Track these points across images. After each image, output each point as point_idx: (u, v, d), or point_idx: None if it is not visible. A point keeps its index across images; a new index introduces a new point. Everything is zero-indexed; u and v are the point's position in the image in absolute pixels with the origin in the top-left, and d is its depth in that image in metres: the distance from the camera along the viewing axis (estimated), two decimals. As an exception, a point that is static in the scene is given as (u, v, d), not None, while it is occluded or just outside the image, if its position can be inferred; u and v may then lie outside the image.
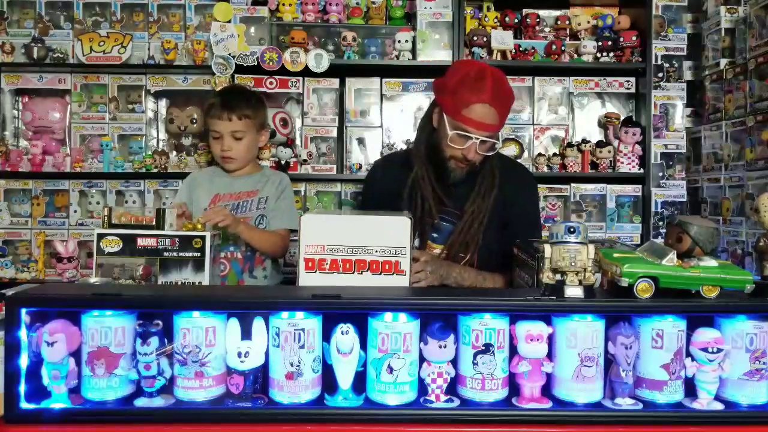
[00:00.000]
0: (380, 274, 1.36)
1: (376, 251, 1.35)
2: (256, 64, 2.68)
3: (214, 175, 2.16)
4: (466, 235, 1.81)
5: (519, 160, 2.82)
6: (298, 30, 2.73)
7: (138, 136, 2.83)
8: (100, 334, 1.13)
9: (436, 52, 2.75)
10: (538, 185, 2.79)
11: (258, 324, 1.12)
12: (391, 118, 2.90)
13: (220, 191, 2.10)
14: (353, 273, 1.36)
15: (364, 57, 2.77)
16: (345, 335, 1.13)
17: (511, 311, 1.15)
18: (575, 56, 2.83)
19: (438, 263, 1.70)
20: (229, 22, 2.69)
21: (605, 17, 2.85)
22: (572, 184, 2.82)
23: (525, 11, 2.93)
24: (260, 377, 1.16)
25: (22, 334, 1.10)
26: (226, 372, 1.15)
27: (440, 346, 1.12)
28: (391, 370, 1.13)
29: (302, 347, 1.12)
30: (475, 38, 2.77)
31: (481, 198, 1.83)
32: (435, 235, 1.85)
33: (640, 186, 2.81)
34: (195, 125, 2.84)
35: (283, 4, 2.78)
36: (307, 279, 1.36)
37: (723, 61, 2.74)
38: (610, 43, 2.80)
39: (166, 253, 1.48)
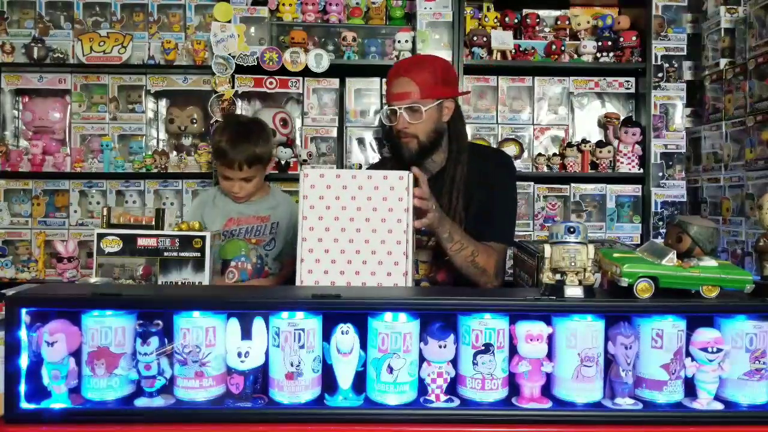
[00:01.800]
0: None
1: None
2: (256, 64, 2.68)
3: (226, 201, 2.14)
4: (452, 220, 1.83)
5: (519, 161, 2.82)
6: (298, 30, 2.73)
7: (138, 136, 2.83)
8: (100, 334, 1.13)
9: (436, 52, 2.74)
10: (538, 185, 2.82)
11: (258, 324, 1.12)
12: (391, 118, 2.90)
13: (233, 215, 2.10)
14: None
15: (364, 57, 2.78)
16: (345, 335, 1.13)
17: (511, 311, 1.15)
18: (575, 56, 2.83)
19: (437, 206, 1.69)
20: (229, 22, 2.70)
21: (605, 17, 2.85)
22: (572, 184, 2.82)
23: (525, 11, 2.93)
24: (260, 377, 1.16)
25: (22, 334, 1.10)
26: (226, 372, 1.15)
27: (440, 346, 1.12)
28: (391, 370, 1.13)
29: (302, 347, 1.12)
30: (475, 38, 2.77)
31: (453, 181, 1.88)
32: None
33: (640, 186, 2.81)
34: (195, 125, 2.84)
35: (283, 4, 2.78)
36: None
37: (723, 61, 2.74)
38: (610, 43, 2.80)
39: (166, 253, 1.48)
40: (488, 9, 2.98)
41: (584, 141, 2.81)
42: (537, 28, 2.90)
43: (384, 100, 2.86)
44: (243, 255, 1.94)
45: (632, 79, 2.86)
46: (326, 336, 1.15)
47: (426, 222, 1.58)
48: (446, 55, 2.74)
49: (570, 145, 2.82)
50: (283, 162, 2.69)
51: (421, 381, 1.15)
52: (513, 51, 2.78)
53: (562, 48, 2.80)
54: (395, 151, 1.93)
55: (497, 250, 1.83)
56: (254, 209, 2.12)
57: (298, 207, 2.19)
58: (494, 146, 2.78)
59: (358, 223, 1.42)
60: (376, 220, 1.42)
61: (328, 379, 1.16)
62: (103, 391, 1.13)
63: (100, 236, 1.49)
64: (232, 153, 2.03)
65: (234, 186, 2.07)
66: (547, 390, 1.16)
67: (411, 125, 1.85)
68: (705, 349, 1.11)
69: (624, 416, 1.12)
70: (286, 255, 2.14)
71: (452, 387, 1.16)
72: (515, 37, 2.87)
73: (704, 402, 1.13)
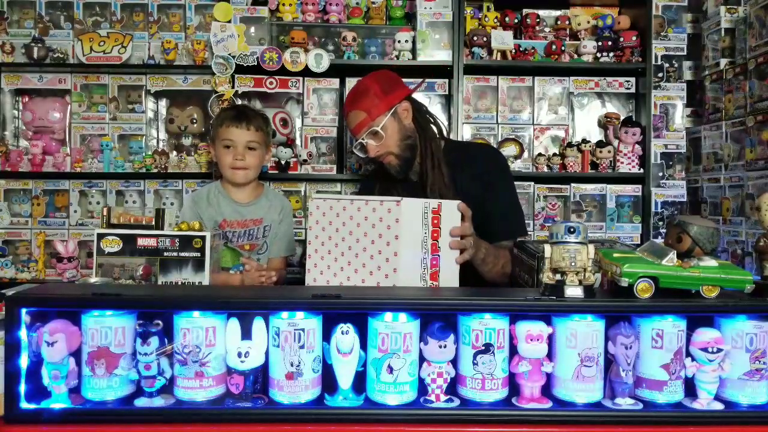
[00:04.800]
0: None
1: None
2: (256, 64, 2.68)
3: (219, 199, 2.13)
4: None
5: (519, 160, 2.82)
6: (298, 30, 2.73)
7: (138, 136, 2.83)
8: (100, 334, 1.13)
9: (436, 52, 2.75)
10: (538, 185, 2.82)
11: (258, 324, 1.12)
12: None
13: (226, 217, 2.09)
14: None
15: (364, 57, 2.77)
16: (345, 335, 1.13)
17: (511, 311, 1.15)
18: (575, 56, 2.83)
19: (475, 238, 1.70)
20: (229, 22, 2.69)
21: (605, 17, 2.85)
22: (572, 184, 2.82)
23: (525, 11, 2.92)
24: (260, 377, 1.16)
25: (22, 334, 1.11)
26: (226, 372, 1.15)
27: (440, 346, 1.12)
28: (391, 370, 1.13)
29: (302, 347, 1.12)
30: (475, 38, 2.77)
31: (429, 172, 1.95)
32: None
33: (640, 186, 2.81)
34: (195, 125, 2.84)
35: (283, 4, 2.78)
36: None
37: (723, 61, 2.74)
38: (610, 43, 2.80)
39: (166, 253, 1.48)
40: (488, 9, 2.98)
41: (584, 141, 2.81)
42: (537, 28, 2.90)
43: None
44: (240, 265, 1.96)
45: (632, 79, 2.85)
46: (326, 336, 1.15)
47: (467, 258, 1.59)
48: (446, 55, 2.74)
49: (570, 145, 2.82)
50: (283, 162, 2.69)
51: (421, 381, 1.15)
52: (513, 51, 2.78)
53: (562, 48, 2.79)
54: (382, 171, 2.02)
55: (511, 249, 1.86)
56: (247, 211, 2.11)
57: (289, 206, 2.24)
58: (494, 146, 2.78)
59: (361, 241, 1.48)
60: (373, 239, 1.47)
61: (328, 379, 1.16)
62: (103, 391, 1.13)
63: (100, 236, 1.49)
64: (238, 113, 2.12)
65: (237, 153, 2.06)
66: (547, 390, 1.16)
67: (380, 146, 1.92)
68: (705, 349, 1.11)
69: (624, 416, 1.12)
70: (271, 254, 2.14)
71: (452, 387, 1.16)
72: (515, 37, 2.86)
73: (704, 402, 1.13)
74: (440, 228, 1.49)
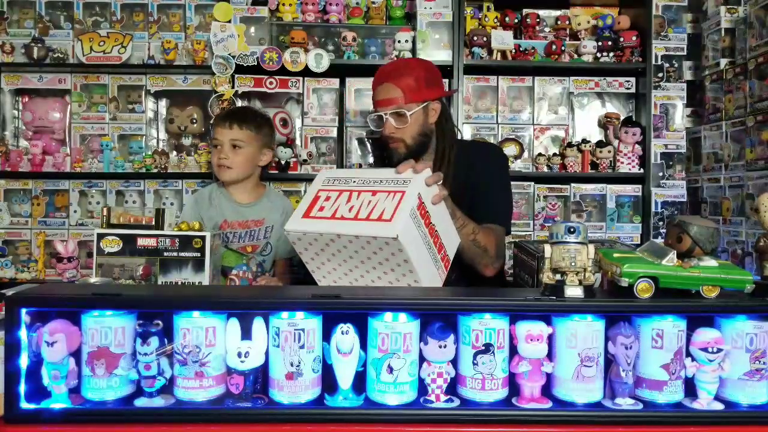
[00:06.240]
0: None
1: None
2: (256, 64, 2.68)
3: (221, 200, 2.13)
4: None
5: (519, 160, 2.82)
6: (298, 30, 2.73)
7: (138, 136, 2.83)
8: (100, 334, 1.13)
9: (436, 52, 2.75)
10: (538, 185, 2.82)
11: (258, 324, 1.12)
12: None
13: (228, 218, 2.09)
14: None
15: (364, 57, 2.78)
16: (345, 335, 1.13)
17: (511, 311, 1.15)
18: (575, 56, 2.83)
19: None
20: (229, 22, 2.70)
21: (605, 17, 2.85)
22: (572, 184, 2.82)
23: (525, 11, 2.93)
24: (260, 377, 1.16)
25: (22, 334, 1.10)
26: (226, 372, 1.15)
27: (440, 346, 1.12)
28: (391, 370, 1.13)
29: (302, 347, 1.12)
30: (475, 38, 2.77)
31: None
32: None
33: (640, 186, 2.81)
34: (195, 125, 2.84)
35: (283, 4, 2.78)
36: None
37: (723, 61, 2.74)
38: (610, 43, 2.80)
39: (166, 253, 1.48)
40: (488, 9, 2.98)
41: (584, 141, 2.81)
42: (537, 28, 2.90)
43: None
44: (244, 264, 1.96)
45: (632, 79, 2.85)
46: (326, 336, 1.15)
47: (445, 193, 1.55)
48: (446, 55, 2.74)
49: (570, 145, 2.82)
50: (283, 162, 2.69)
51: (421, 381, 1.15)
52: (513, 51, 2.78)
53: (562, 48, 2.80)
54: (388, 157, 1.95)
55: (495, 231, 1.84)
56: (249, 212, 2.12)
57: (290, 207, 2.24)
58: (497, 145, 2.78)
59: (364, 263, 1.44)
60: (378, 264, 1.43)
61: (328, 379, 1.16)
62: (103, 391, 1.13)
63: (100, 236, 1.49)
64: (227, 113, 2.14)
65: (222, 151, 2.06)
66: (547, 390, 1.16)
67: (398, 130, 1.88)
68: (705, 349, 1.11)
69: (624, 416, 1.12)
70: (277, 255, 2.14)
71: (452, 387, 1.16)
72: (515, 37, 2.87)
73: (704, 402, 1.13)
74: (428, 212, 1.45)
